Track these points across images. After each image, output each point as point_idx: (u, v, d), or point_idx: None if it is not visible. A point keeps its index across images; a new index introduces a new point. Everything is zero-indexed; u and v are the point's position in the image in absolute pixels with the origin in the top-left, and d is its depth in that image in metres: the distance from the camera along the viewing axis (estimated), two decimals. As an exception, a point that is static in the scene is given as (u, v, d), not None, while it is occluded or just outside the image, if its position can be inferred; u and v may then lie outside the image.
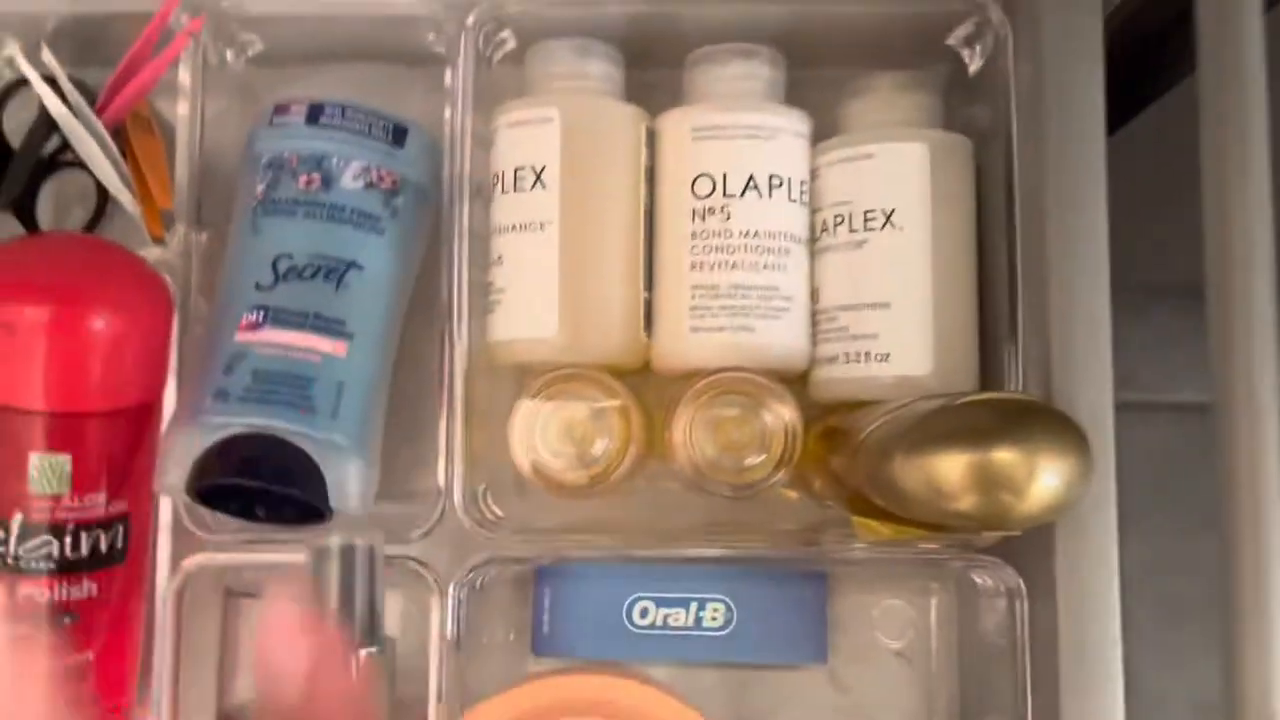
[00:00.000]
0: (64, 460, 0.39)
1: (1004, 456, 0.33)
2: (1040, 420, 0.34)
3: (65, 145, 0.45)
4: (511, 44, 0.45)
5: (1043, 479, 0.33)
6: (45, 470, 0.39)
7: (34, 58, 0.44)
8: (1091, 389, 0.39)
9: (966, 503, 0.33)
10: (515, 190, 0.43)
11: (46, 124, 0.45)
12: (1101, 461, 0.38)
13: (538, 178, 0.42)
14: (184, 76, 0.44)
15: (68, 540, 0.39)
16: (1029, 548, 0.40)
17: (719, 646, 0.45)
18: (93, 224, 0.47)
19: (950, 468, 0.33)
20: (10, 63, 0.45)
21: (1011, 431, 0.33)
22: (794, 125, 0.43)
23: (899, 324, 0.42)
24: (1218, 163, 0.32)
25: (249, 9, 0.44)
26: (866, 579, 0.47)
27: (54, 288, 0.39)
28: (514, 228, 0.43)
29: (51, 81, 0.44)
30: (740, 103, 0.43)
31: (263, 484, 0.39)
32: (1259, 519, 0.29)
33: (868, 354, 0.42)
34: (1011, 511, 0.33)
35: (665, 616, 0.45)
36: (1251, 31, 0.31)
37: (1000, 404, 0.34)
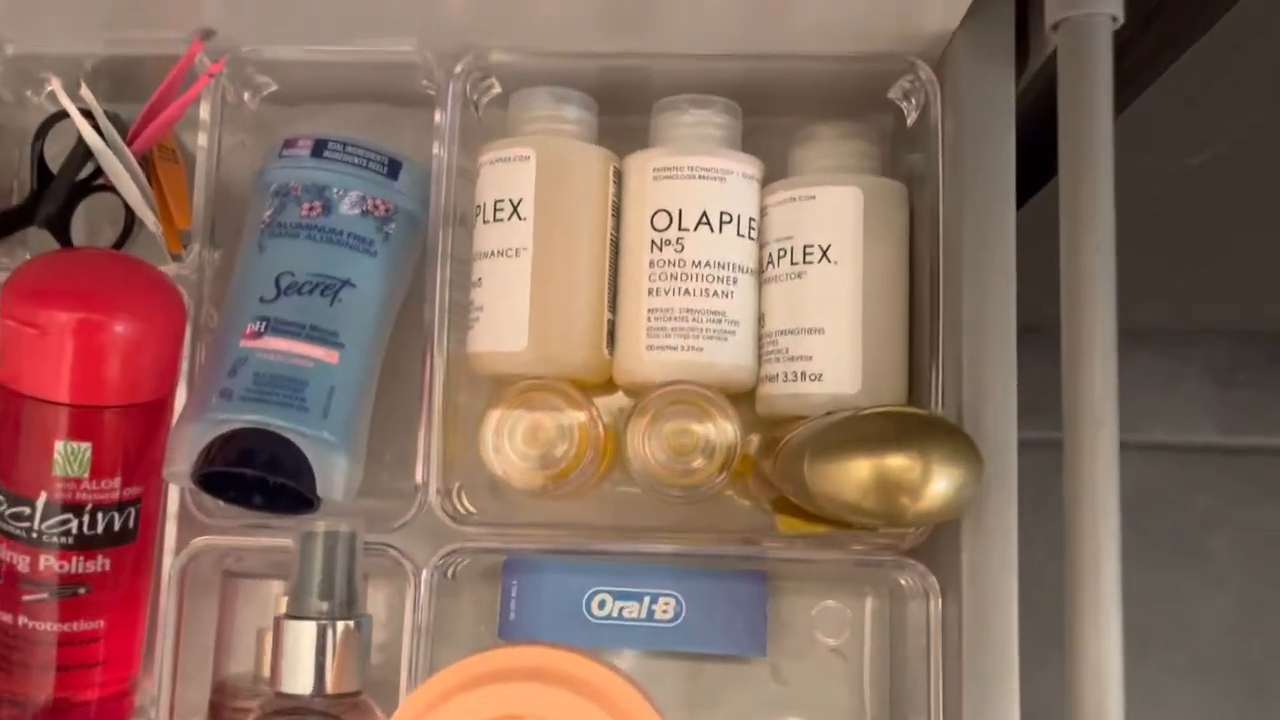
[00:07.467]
0: (85, 448, 0.44)
1: (900, 462, 0.37)
2: (935, 432, 0.38)
3: (98, 171, 0.51)
4: (497, 89, 0.51)
5: (935, 483, 0.37)
6: (68, 456, 0.44)
7: (73, 93, 0.50)
8: (997, 411, 0.43)
9: (868, 502, 0.38)
10: (494, 220, 0.48)
11: (82, 152, 0.50)
12: (1003, 472, 0.42)
13: (515, 209, 0.48)
14: (204, 113, 0.50)
15: (85, 519, 0.45)
16: (943, 550, 0.45)
17: (669, 637, 0.49)
18: (121, 242, 0.53)
19: (853, 471, 0.38)
20: (52, 97, 0.51)
21: (908, 440, 0.38)
22: (744, 168, 0.48)
23: (832, 348, 0.46)
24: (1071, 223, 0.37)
25: (265, 54, 0.50)
26: (806, 581, 0.51)
27: (81, 295, 0.44)
28: (492, 253, 0.48)
29: (88, 114, 0.50)
30: (696, 147, 0.48)
31: (258, 473, 0.44)
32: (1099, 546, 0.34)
33: (803, 374, 0.46)
34: (908, 511, 0.38)
35: (621, 609, 0.49)
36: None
37: (900, 416, 0.39)
